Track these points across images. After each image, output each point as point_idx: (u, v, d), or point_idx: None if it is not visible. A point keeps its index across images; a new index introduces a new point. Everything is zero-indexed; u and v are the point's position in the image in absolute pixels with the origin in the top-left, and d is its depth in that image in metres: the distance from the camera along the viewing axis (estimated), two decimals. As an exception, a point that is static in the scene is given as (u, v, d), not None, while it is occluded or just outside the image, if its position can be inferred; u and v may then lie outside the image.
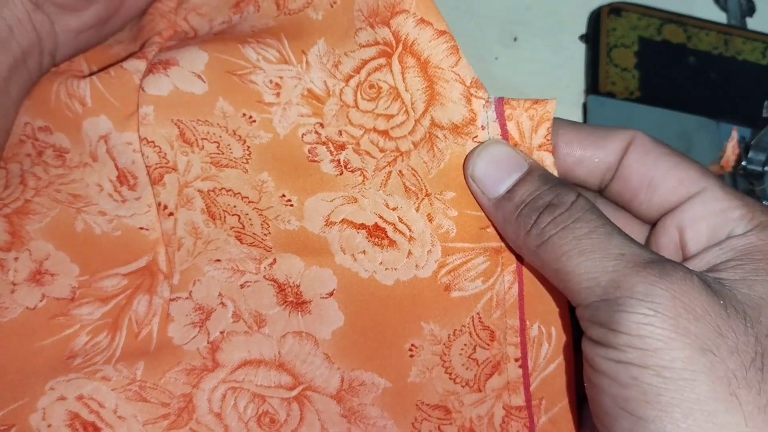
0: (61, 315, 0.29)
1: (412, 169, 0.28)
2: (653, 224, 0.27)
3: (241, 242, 0.29)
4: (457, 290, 0.27)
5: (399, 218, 0.28)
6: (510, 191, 0.25)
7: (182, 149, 0.30)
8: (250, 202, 0.30)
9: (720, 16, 0.48)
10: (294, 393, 0.28)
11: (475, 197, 0.27)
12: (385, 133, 0.28)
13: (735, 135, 0.43)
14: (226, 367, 0.28)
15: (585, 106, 0.44)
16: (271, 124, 0.30)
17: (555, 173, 0.26)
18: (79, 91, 0.32)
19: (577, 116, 0.44)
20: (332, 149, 0.29)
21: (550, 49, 0.46)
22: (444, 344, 0.28)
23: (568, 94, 0.45)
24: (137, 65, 0.32)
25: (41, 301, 0.30)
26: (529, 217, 0.24)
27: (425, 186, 0.28)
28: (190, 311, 0.29)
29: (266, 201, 0.30)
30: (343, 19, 0.29)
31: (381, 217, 0.28)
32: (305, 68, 0.30)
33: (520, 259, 0.27)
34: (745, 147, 0.43)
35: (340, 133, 0.29)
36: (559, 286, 0.24)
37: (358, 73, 0.29)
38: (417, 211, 0.28)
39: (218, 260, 0.30)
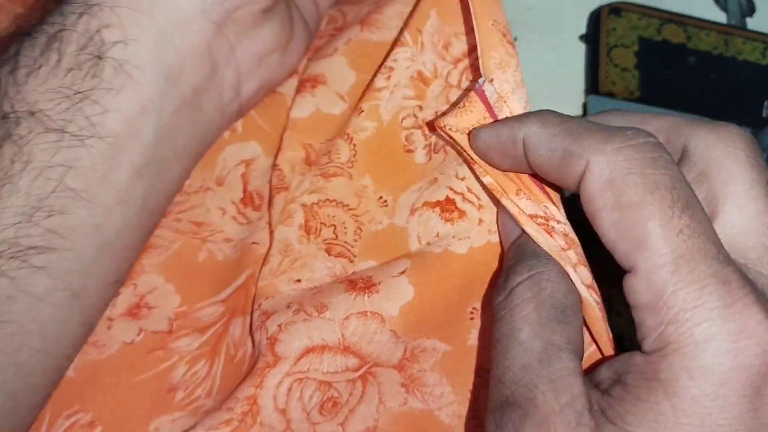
0: (159, 349, 0.29)
1: None
2: None
3: (329, 254, 0.29)
4: None
5: (467, 188, 0.28)
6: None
7: (301, 170, 0.31)
8: (349, 209, 0.30)
9: (720, 16, 0.48)
10: (360, 373, 0.27)
11: None
12: None
13: (735, 135, 0.43)
14: (287, 358, 0.27)
15: (585, 106, 0.44)
16: (377, 111, 0.30)
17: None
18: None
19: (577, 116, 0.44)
20: (426, 133, 0.30)
21: (550, 49, 0.46)
22: None
23: (568, 94, 0.45)
24: (288, 84, 0.32)
25: (138, 335, 0.29)
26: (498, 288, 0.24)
27: None
28: (256, 318, 0.29)
29: (364, 206, 0.30)
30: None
31: (451, 188, 0.28)
32: (420, 49, 0.30)
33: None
34: (745, 147, 0.43)
35: (436, 113, 0.29)
36: None
37: (467, 57, 0.29)
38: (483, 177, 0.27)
39: (298, 281, 0.29)
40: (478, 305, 0.27)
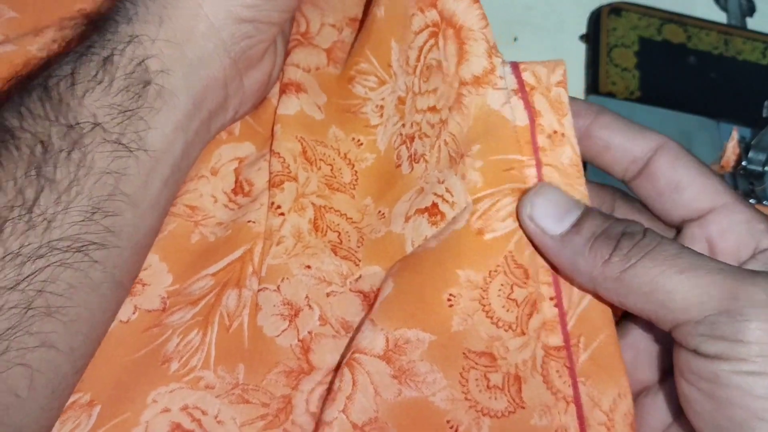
0: (154, 326, 0.29)
1: (452, 134, 0.28)
2: (676, 228, 0.28)
3: (336, 254, 0.31)
4: (489, 232, 0.27)
5: (446, 189, 0.28)
6: (576, 225, 0.26)
7: (303, 166, 0.32)
8: (353, 222, 0.32)
9: (720, 16, 0.49)
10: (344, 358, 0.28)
11: (532, 239, 0.27)
12: (433, 109, 0.29)
13: (735, 135, 0.43)
14: (321, 369, 0.29)
15: (585, 106, 0.44)
16: (375, 145, 0.33)
17: (570, 113, 0.28)
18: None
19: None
20: (408, 145, 0.31)
21: (550, 49, 0.46)
22: (481, 288, 0.27)
23: (568, 94, 0.45)
24: (273, 89, 0.35)
25: (134, 313, 0.29)
26: (606, 245, 0.25)
27: (461, 148, 0.28)
28: (278, 303, 0.30)
29: (367, 220, 0.32)
30: (398, 8, 0.30)
31: (435, 193, 0.29)
32: (394, 80, 0.32)
33: None
34: (745, 147, 0.43)
35: (411, 125, 0.31)
36: (652, 308, 0.24)
37: (419, 60, 0.30)
38: (456, 174, 0.28)
39: (308, 266, 0.31)
40: (455, 291, 0.27)
